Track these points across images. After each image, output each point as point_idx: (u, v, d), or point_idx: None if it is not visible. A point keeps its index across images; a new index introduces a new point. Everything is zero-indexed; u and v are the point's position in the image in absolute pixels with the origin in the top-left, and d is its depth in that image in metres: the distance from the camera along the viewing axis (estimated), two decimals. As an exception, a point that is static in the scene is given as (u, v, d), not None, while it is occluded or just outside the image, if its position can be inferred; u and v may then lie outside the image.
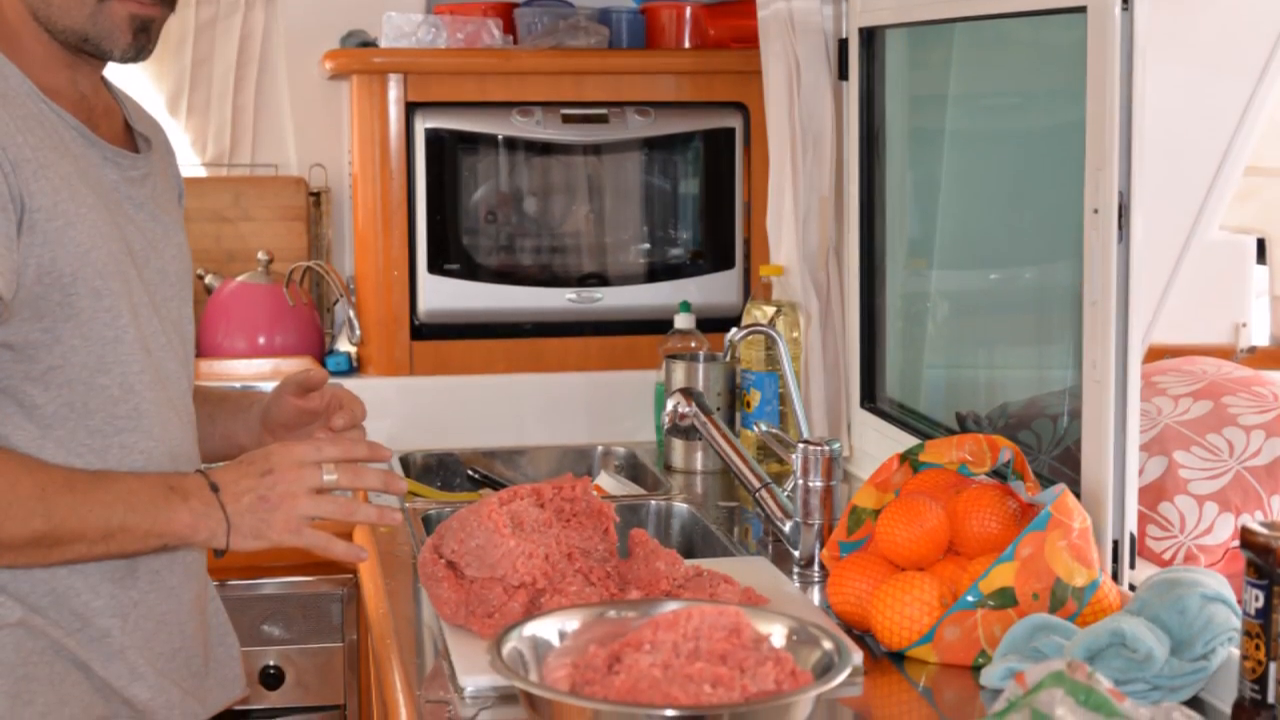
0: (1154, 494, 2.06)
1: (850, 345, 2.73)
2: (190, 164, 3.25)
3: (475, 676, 1.64)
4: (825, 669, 1.39)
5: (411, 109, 2.97)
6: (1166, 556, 2.04)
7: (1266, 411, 2.10)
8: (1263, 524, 1.47)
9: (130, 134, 1.78)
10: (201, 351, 3.05)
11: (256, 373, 3.01)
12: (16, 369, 1.58)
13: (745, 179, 3.09)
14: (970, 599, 1.72)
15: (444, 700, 1.62)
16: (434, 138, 2.96)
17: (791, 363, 2.56)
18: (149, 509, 1.56)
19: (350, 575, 2.57)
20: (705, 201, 3.11)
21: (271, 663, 2.60)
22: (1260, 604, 1.45)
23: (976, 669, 1.71)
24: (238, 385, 2.91)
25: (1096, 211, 1.81)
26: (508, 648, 1.41)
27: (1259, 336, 3.04)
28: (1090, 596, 1.71)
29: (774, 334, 2.56)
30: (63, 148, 1.62)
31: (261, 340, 3.09)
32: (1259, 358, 2.91)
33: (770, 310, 2.77)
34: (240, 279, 3.14)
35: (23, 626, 1.60)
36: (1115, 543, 1.83)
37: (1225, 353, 2.82)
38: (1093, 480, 1.86)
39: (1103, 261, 1.80)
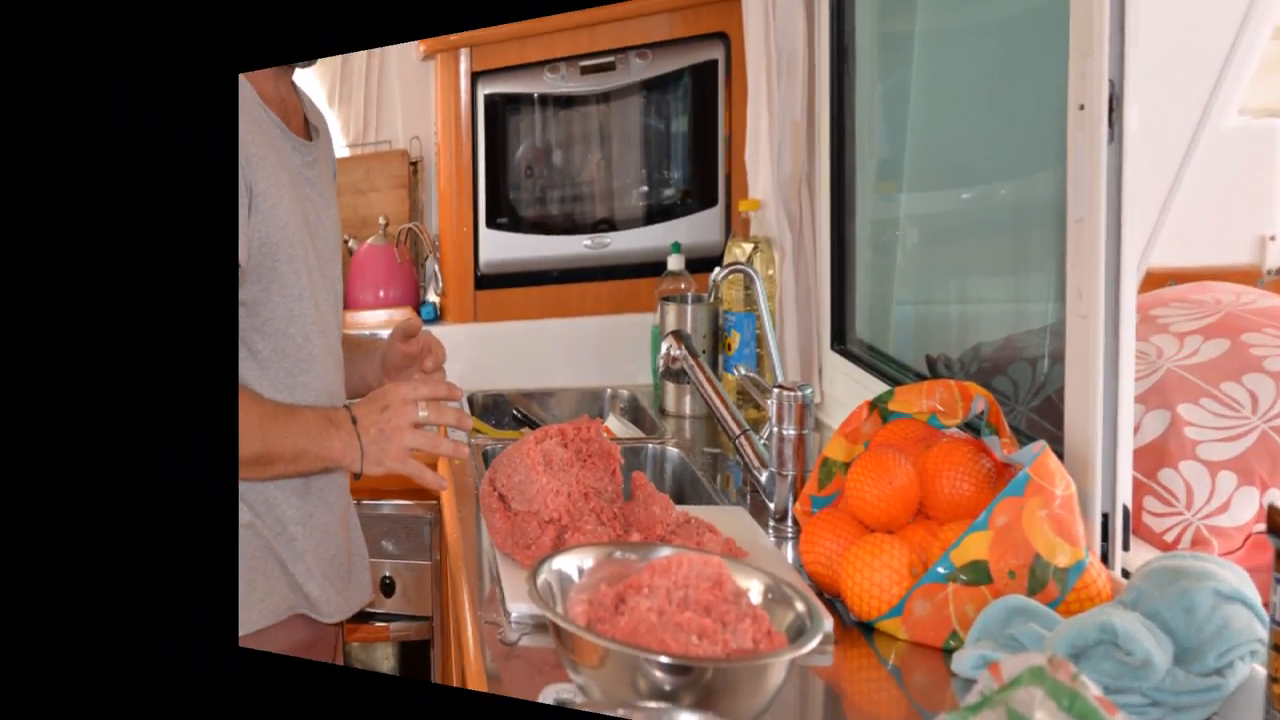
0: (1153, 457, 1.66)
1: (821, 282, 2.51)
2: (338, 146, 3.51)
3: (519, 604, 1.69)
4: (798, 632, 1.36)
5: (476, 78, 3.06)
6: (1169, 538, 1.65)
7: (1301, 352, 1.58)
8: (1294, 501, 1.02)
9: (306, 124, 2.00)
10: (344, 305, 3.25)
11: (376, 322, 3.33)
12: (247, 322, 1.85)
13: (727, 112, 2.93)
14: (941, 571, 1.51)
15: (496, 622, 1.69)
16: (490, 102, 3.05)
17: (768, 302, 2.42)
18: (319, 437, 1.82)
19: (435, 501, 2.73)
20: (693, 139, 2.99)
21: (387, 574, 2.82)
22: (1292, 607, 0.99)
23: (948, 651, 1.49)
24: (367, 333, 3.12)
25: (1082, 108, 1.51)
26: (541, 579, 1.46)
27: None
28: (1075, 580, 1.43)
29: (751, 272, 2.39)
30: (271, 142, 1.86)
31: (381, 294, 3.40)
32: (1291, 281, 2.26)
33: (749, 247, 2.52)
34: (369, 242, 3.47)
35: (250, 529, 1.88)
36: (1105, 516, 1.53)
37: (1248, 276, 2.21)
38: (1078, 438, 1.56)
39: (1089, 168, 1.49)
